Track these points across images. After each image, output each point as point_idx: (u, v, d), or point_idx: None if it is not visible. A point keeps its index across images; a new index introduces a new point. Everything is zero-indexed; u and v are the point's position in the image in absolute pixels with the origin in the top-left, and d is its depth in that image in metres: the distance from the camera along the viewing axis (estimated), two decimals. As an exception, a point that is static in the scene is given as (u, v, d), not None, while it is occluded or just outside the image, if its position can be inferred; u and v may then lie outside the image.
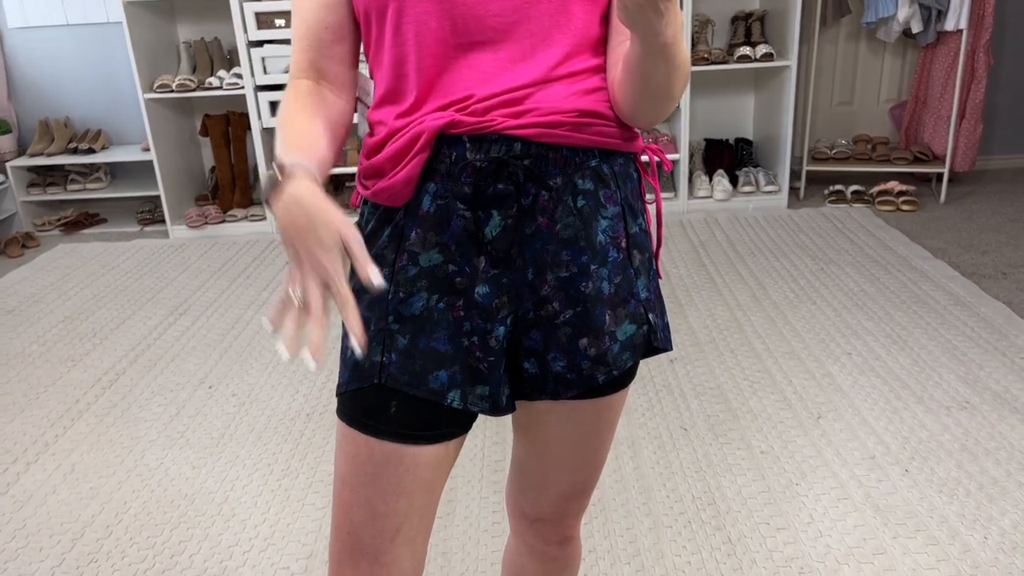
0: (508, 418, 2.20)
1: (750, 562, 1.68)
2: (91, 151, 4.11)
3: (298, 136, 0.85)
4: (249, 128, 4.03)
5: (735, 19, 4.03)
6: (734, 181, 4.07)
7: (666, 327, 0.99)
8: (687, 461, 2.02)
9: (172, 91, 3.80)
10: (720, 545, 1.73)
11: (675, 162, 3.94)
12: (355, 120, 1.01)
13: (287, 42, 3.71)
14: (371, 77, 0.96)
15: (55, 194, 4.15)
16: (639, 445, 2.09)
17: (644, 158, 0.99)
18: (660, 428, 2.16)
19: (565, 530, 1.12)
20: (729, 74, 4.20)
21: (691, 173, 4.10)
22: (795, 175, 4.15)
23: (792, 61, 3.72)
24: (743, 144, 4.20)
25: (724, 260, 3.31)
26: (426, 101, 0.88)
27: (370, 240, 0.92)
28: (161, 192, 3.92)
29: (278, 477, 2.04)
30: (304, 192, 0.76)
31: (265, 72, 3.73)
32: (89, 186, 4.16)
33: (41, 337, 2.93)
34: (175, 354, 2.74)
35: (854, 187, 3.97)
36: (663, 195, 3.95)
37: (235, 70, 3.85)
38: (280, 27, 3.68)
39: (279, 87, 3.79)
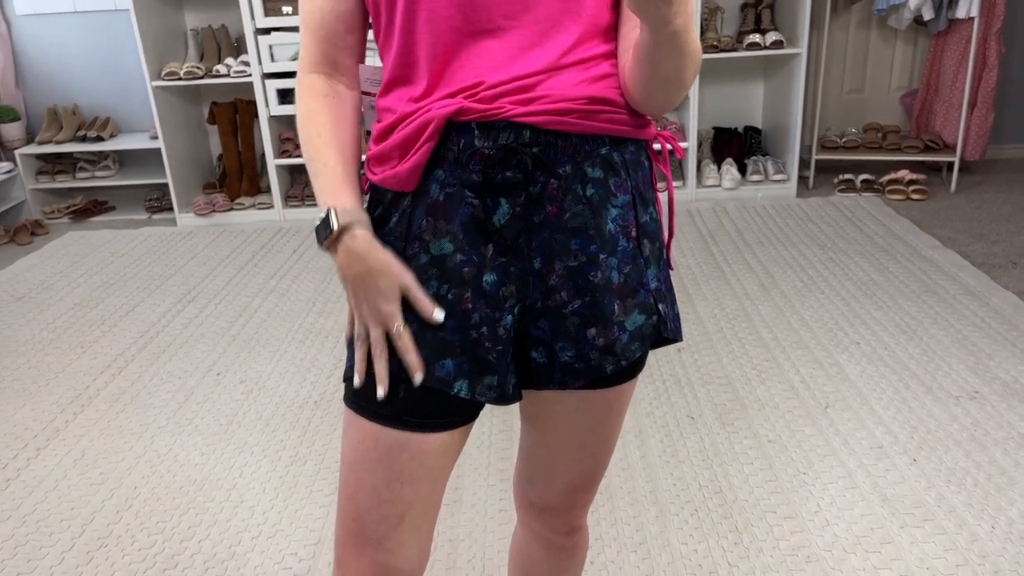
0: (516, 406, 2.21)
1: (757, 551, 1.68)
2: (99, 139, 4.12)
3: (337, 170, 0.91)
4: (257, 116, 4.02)
5: (744, 6, 4.00)
6: (743, 170, 4.05)
7: (676, 317, 0.98)
8: (694, 450, 2.02)
9: (180, 79, 3.80)
10: (727, 534, 1.73)
11: (684, 150, 3.92)
12: (363, 110, 1.01)
13: (295, 29, 3.70)
14: (380, 62, 0.96)
15: (64, 182, 4.16)
16: (646, 434, 2.09)
17: (656, 146, 0.98)
18: (667, 417, 2.16)
19: (573, 520, 1.12)
20: (738, 62, 4.17)
21: (700, 162, 4.08)
22: (804, 164, 4.13)
23: (802, 49, 3.69)
24: (752, 132, 4.18)
25: (732, 249, 3.30)
26: (436, 88, 0.87)
27: (378, 226, 0.92)
28: (169, 180, 3.92)
29: (286, 464, 2.05)
30: (362, 246, 0.87)
31: (273, 60, 3.72)
32: (98, 174, 4.18)
33: (51, 324, 2.95)
34: (183, 341, 2.75)
35: (864, 176, 3.95)
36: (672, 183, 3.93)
37: (243, 58, 3.84)
38: (287, 14, 3.67)
39: (287, 75, 3.79)
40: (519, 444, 1.11)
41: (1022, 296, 2.74)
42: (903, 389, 2.22)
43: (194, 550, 1.77)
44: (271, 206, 4.00)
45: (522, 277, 0.88)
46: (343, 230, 0.86)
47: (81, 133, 4.14)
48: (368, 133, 1.04)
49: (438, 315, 0.85)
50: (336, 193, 0.89)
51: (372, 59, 1.02)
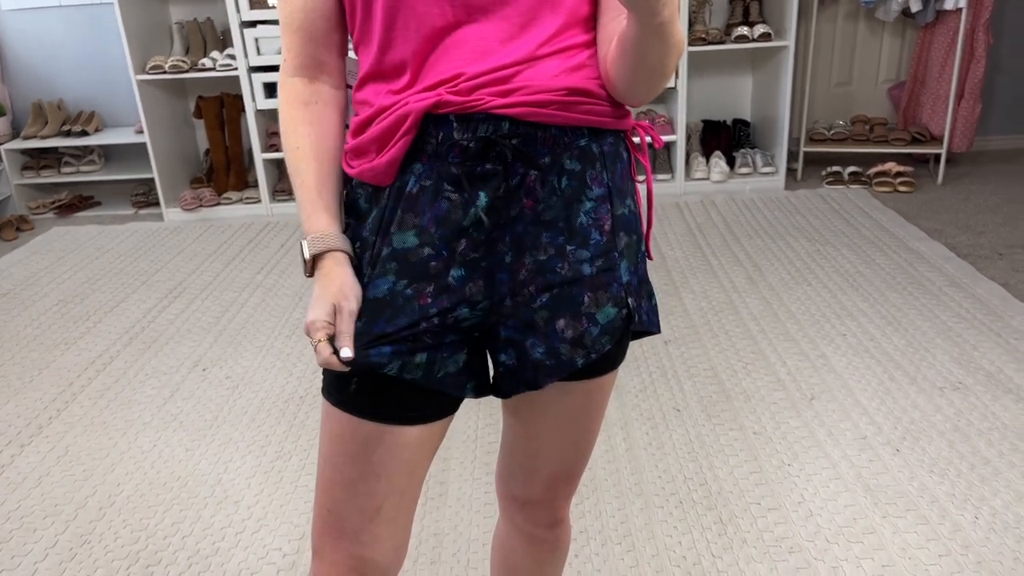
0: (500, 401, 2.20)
1: (740, 542, 1.68)
2: (84, 133, 4.09)
3: (312, 191, 0.91)
4: (243, 110, 4.00)
5: (732, -2, 3.99)
6: (731, 162, 4.05)
7: (652, 309, 0.98)
8: (680, 442, 2.02)
9: (165, 72, 3.77)
10: (711, 525, 1.74)
11: (672, 143, 3.92)
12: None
13: (276, 23, 3.67)
14: (356, 56, 0.95)
15: (49, 177, 4.13)
16: (632, 426, 2.10)
17: (635, 139, 0.98)
18: (653, 409, 2.16)
19: (555, 512, 1.12)
20: (726, 54, 4.17)
21: (688, 154, 4.08)
22: (792, 156, 4.13)
23: (790, 41, 3.69)
24: (740, 125, 4.18)
25: (720, 242, 3.30)
26: (415, 80, 0.87)
27: (356, 219, 0.91)
28: (155, 175, 3.90)
29: (271, 459, 2.04)
30: (328, 267, 0.89)
31: (259, 53, 3.70)
32: (83, 169, 4.15)
33: (35, 320, 2.93)
34: (169, 337, 2.74)
35: (851, 168, 3.95)
36: (659, 176, 3.94)
37: (228, 51, 3.82)
38: (273, 7, 3.64)
39: (273, 68, 3.76)
40: (501, 438, 1.11)
41: (1007, 287, 2.75)
42: (888, 380, 2.23)
43: (178, 546, 1.76)
44: (258, 201, 3.98)
45: (490, 272, 0.88)
46: (315, 259, 0.89)
47: (66, 128, 4.11)
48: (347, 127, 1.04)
49: (345, 353, 0.85)
50: (310, 217, 0.90)
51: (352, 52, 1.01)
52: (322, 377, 0.93)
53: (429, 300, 0.87)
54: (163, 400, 2.35)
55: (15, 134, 4.23)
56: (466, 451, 2.03)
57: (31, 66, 4.23)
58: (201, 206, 3.96)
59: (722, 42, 3.81)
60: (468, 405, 2.22)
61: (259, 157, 3.88)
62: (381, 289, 0.87)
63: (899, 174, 3.84)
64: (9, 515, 1.89)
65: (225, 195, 4.01)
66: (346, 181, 0.95)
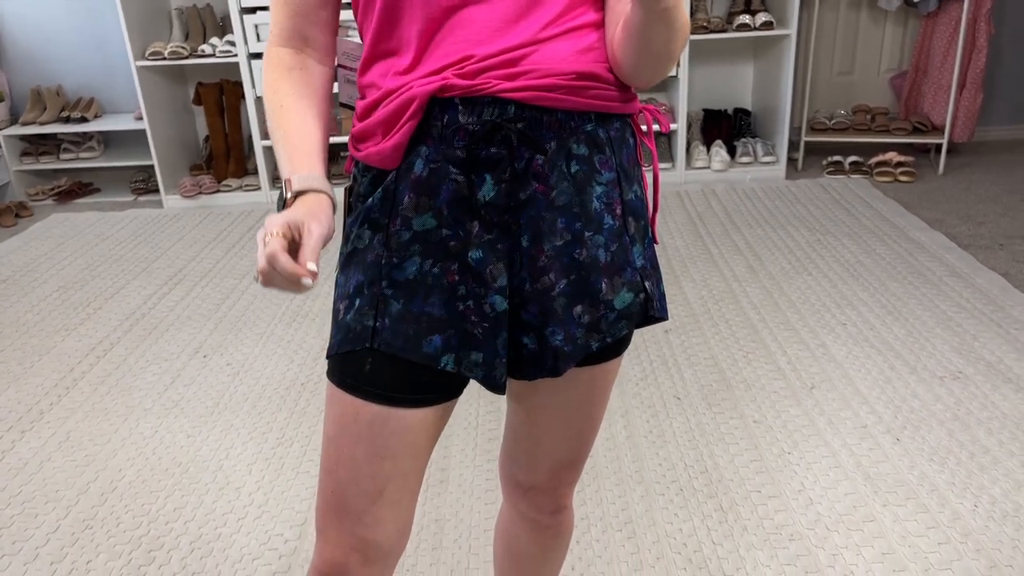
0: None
1: (741, 529, 1.69)
2: (84, 120, 4.07)
3: (294, 140, 0.90)
4: (243, 97, 3.99)
5: (735, -13, 3.98)
6: (732, 152, 4.05)
7: (662, 296, 0.98)
8: (680, 430, 2.03)
9: (164, 59, 3.76)
10: (711, 513, 1.74)
11: (673, 132, 3.91)
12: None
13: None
14: (360, 37, 0.94)
15: (48, 163, 4.12)
16: (632, 414, 2.10)
17: (642, 124, 0.98)
18: (654, 397, 2.17)
19: (558, 499, 1.12)
20: (728, 43, 4.15)
21: (689, 143, 4.07)
22: (793, 146, 4.13)
23: (792, 30, 3.67)
24: (741, 114, 4.17)
25: (721, 231, 3.30)
26: (421, 60, 0.86)
27: (363, 203, 0.91)
28: (155, 161, 3.89)
29: (272, 445, 2.05)
30: (311, 200, 0.85)
31: (259, 39, 3.68)
32: (82, 155, 4.13)
33: (35, 307, 2.93)
34: (169, 324, 2.74)
35: (852, 158, 3.95)
36: (661, 166, 3.93)
37: (228, 37, 3.80)
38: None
39: (273, 55, 3.74)
40: (505, 423, 1.11)
41: (1008, 277, 2.75)
42: (888, 369, 2.24)
43: (180, 532, 1.77)
44: (258, 188, 3.97)
45: (510, 255, 0.88)
46: (296, 196, 0.85)
47: (65, 114, 4.09)
48: (343, 106, 1.03)
49: (306, 282, 0.77)
50: (292, 164, 0.88)
51: (356, 36, 1.00)
52: (327, 360, 0.93)
53: (456, 278, 0.87)
54: (164, 387, 2.35)
55: (14, 120, 4.21)
56: (467, 437, 2.03)
57: (30, 52, 4.21)
58: (201, 193, 3.95)
59: (724, 30, 3.79)
60: (469, 390, 2.22)
61: (259, 144, 3.87)
62: (410, 271, 0.87)
63: (900, 164, 3.83)
64: (10, 500, 1.89)
65: (225, 182, 4.00)
66: (351, 168, 0.95)
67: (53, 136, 4.22)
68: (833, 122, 4.07)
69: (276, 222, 0.80)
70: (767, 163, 3.91)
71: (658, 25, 0.78)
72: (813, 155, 4.19)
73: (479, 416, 2.12)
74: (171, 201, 3.96)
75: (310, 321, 2.69)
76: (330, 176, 3.97)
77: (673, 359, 2.35)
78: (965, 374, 2.19)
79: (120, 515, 1.82)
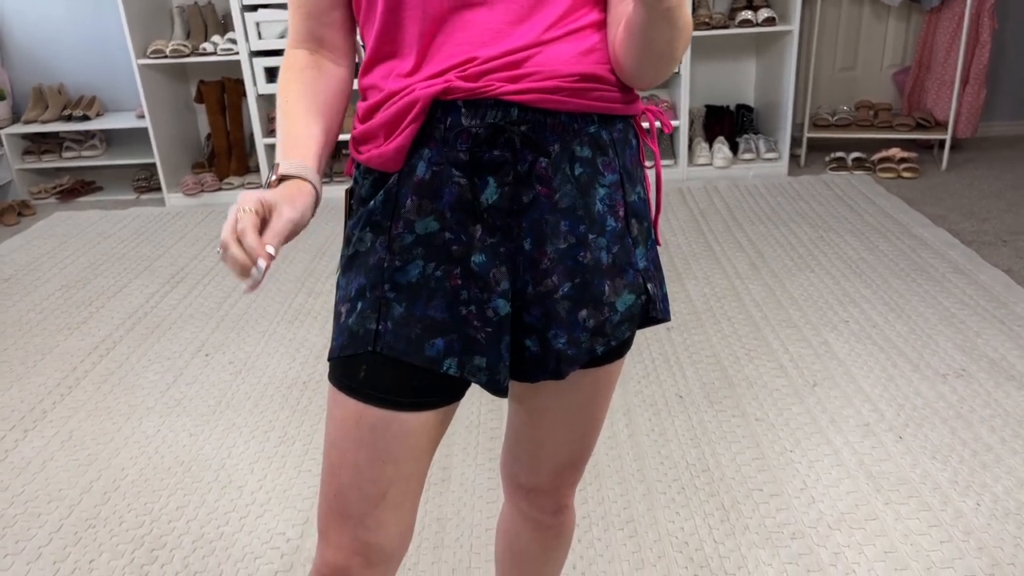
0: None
1: (743, 528, 1.69)
2: (86, 118, 4.07)
3: (292, 132, 0.90)
4: (245, 95, 3.98)
5: (737, -18, 3.97)
6: (734, 148, 4.04)
7: (664, 297, 0.98)
8: (682, 428, 2.02)
9: (166, 57, 3.75)
10: (713, 511, 1.74)
11: (675, 129, 3.90)
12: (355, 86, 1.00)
13: (282, 7, 3.66)
14: (361, 39, 0.94)
15: (50, 162, 4.12)
16: (635, 412, 2.10)
17: (644, 124, 0.98)
18: (656, 396, 2.17)
19: (560, 499, 1.12)
20: (730, 39, 4.14)
21: (691, 140, 4.06)
22: (796, 142, 4.12)
23: (794, 26, 3.66)
24: (744, 111, 4.16)
25: (723, 228, 3.30)
26: (424, 62, 0.86)
27: (364, 206, 0.91)
28: (157, 160, 3.89)
29: (275, 444, 2.05)
30: (289, 187, 0.84)
31: (260, 37, 3.68)
32: (84, 154, 4.14)
33: (38, 305, 2.93)
34: (172, 322, 2.74)
35: (855, 154, 3.94)
36: (663, 163, 3.92)
37: (229, 35, 3.80)
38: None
39: (274, 52, 3.74)
40: (507, 424, 1.11)
41: (1011, 274, 2.75)
42: (890, 367, 2.23)
43: (182, 530, 1.77)
44: (260, 186, 3.97)
45: (512, 258, 0.87)
46: (280, 180, 0.85)
47: (67, 112, 4.09)
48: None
49: (260, 264, 0.76)
50: (285, 153, 0.88)
51: None
52: (329, 363, 0.92)
53: (459, 282, 0.87)
54: (166, 385, 2.35)
55: (15, 119, 4.21)
56: (469, 436, 2.04)
57: (31, 50, 4.21)
58: (203, 191, 3.95)
59: (726, 27, 3.78)
60: (471, 389, 2.22)
61: (260, 142, 3.87)
62: (412, 274, 0.87)
63: (903, 160, 3.82)
64: (13, 500, 1.90)
65: (226, 180, 4.00)
66: (352, 170, 0.95)
67: (55, 135, 4.23)
68: (836, 118, 4.06)
69: (250, 198, 0.79)
70: (769, 159, 3.90)
71: (660, 24, 0.78)
72: (816, 151, 4.18)
73: (481, 415, 2.12)
74: (173, 199, 3.97)
75: (312, 319, 2.70)
76: (331, 173, 3.97)
77: (675, 357, 2.35)
78: (968, 371, 2.19)
79: (123, 514, 1.83)
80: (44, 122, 4.04)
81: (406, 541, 0.95)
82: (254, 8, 3.68)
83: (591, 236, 0.88)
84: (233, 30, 3.85)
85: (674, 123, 3.87)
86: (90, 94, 4.25)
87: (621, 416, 2.09)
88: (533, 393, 1.01)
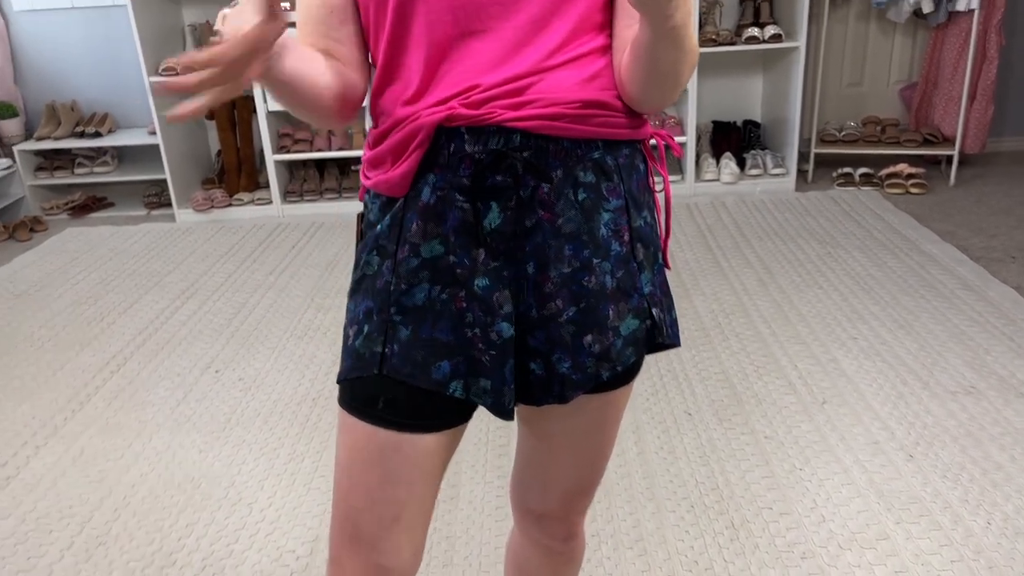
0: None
1: (753, 547, 1.69)
2: (98, 135, 4.11)
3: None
4: (255, 112, 4.02)
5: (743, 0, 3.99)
6: (741, 164, 4.04)
7: (674, 322, 0.98)
8: (691, 446, 2.02)
9: (178, 74, 3.78)
10: (723, 530, 1.74)
11: (682, 144, 3.91)
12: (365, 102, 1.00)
13: (293, 25, 3.69)
14: (373, 64, 0.95)
15: (62, 178, 4.16)
16: (643, 430, 2.10)
17: (652, 142, 0.98)
18: (664, 413, 2.17)
19: (570, 526, 1.12)
20: (737, 55, 4.16)
21: (698, 156, 4.07)
22: (803, 158, 4.12)
23: (801, 42, 3.68)
24: (751, 126, 4.17)
25: (731, 244, 3.30)
26: (427, 91, 0.87)
27: (372, 230, 0.92)
28: (168, 176, 3.92)
29: (284, 461, 2.05)
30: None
31: (270, 55, 3.71)
32: (96, 170, 4.17)
33: (49, 321, 2.95)
34: (182, 338, 2.75)
35: (863, 170, 3.94)
36: (670, 179, 3.93)
37: (240, 53, 3.83)
38: (285, 10, 3.65)
39: (284, 70, 3.77)
40: (516, 449, 1.11)
41: (1020, 290, 2.74)
42: (900, 385, 2.23)
43: (192, 548, 1.77)
44: (269, 202, 4.00)
45: (516, 282, 0.88)
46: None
47: (79, 129, 4.14)
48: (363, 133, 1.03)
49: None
50: None
51: None
52: (339, 387, 0.93)
53: (464, 304, 0.88)
54: (176, 401, 2.36)
55: (28, 135, 4.26)
56: (477, 453, 2.04)
57: (44, 68, 4.26)
58: (213, 207, 3.98)
59: (733, 43, 3.80)
60: (479, 408, 2.22)
61: (270, 158, 3.89)
62: (419, 297, 0.88)
63: (911, 176, 3.82)
64: (25, 516, 1.90)
65: (236, 196, 4.03)
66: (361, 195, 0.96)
67: (67, 151, 4.27)
68: (843, 134, 4.07)
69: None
70: (777, 175, 3.91)
71: (666, 44, 0.79)
72: (823, 167, 4.18)
73: (489, 432, 2.13)
74: (184, 215, 4.00)
75: (321, 335, 2.71)
76: (341, 189, 3.99)
77: (684, 374, 2.35)
78: (978, 389, 2.18)
79: (133, 531, 1.83)
80: (57, 139, 4.08)
81: (418, 561, 0.96)
82: (265, 26, 3.71)
83: (595, 260, 0.89)
84: (244, 48, 3.88)
85: (681, 139, 3.88)
86: (103, 111, 4.30)
87: (630, 433, 2.09)
88: (540, 417, 1.01)
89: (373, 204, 0.93)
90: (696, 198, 3.88)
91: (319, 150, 3.94)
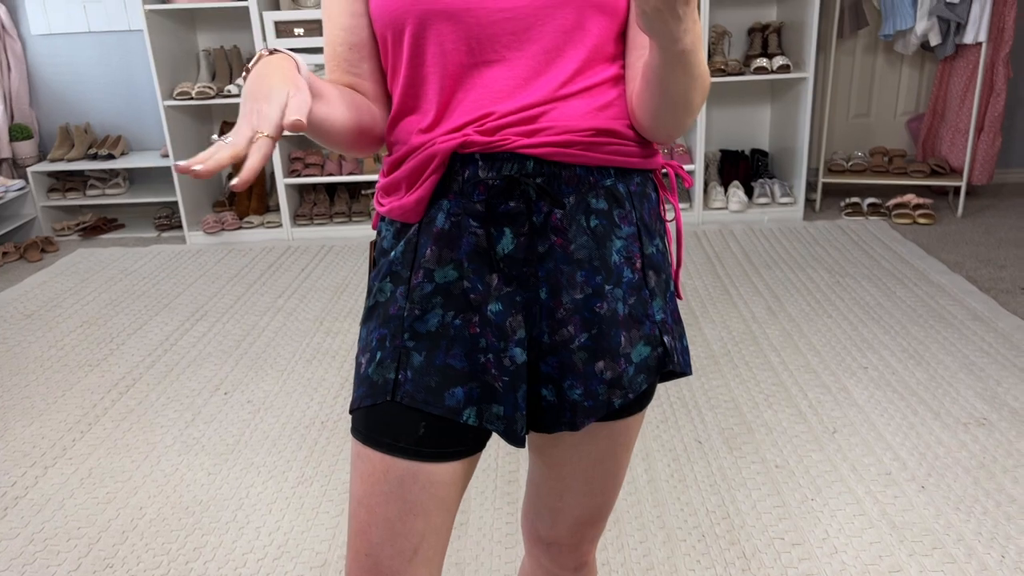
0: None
1: (764, 578, 1.67)
2: (110, 157, 4.15)
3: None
4: (266, 136, 4.05)
5: (752, 30, 4.03)
6: (749, 192, 4.06)
7: (685, 350, 0.98)
8: (701, 475, 2.01)
9: (191, 98, 3.83)
10: (734, 560, 1.72)
11: (691, 173, 3.93)
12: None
13: (306, 51, 3.74)
14: (390, 93, 0.97)
15: (74, 199, 4.19)
16: (653, 458, 2.09)
17: (664, 172, 0.99)
18: (675, 441, 2.16)
19: (581, 556, 1.12)
20: (745, 85, 4.19)
21: (706, 184, 4.09)
22: (811, 187, 4.14)
23: (809, 73, 3.71)
24: (759, 155, 4.19)
25: (739, 272, 3.30)
26: (443, 118, 0.88)
27: (386, 257, 0.93)
28: (179, 198, 3.95)
29: (292, 485, 2.05)
30: (278, 61, 0.78)
31: (283, 80, 3.75)
32: (108, 191, 4.21)
33: (59, 341, 2.96)
34: (191, 360, 2.76)
35: (870, 200, 3.95)
36: (679, 205, 3.95)
37: (254, 78, 3.88)
38: (299, 35, 3.71)
39: (297, 95, 3.81)
40: (527, 477, 1.11)
41: (1030, 322, 2.74)
42: (911, 415, 2.22)
43: (199, 571, 1.76)
44: (279, 225, 4.02)
45: (528, 307, 0.89)
46: (272, 52, 0.80)
47: (92, 151, 4.17)
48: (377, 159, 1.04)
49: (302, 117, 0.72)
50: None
51: None
52: (351, 416, 0.93)
53: (478, 330, 0.88)
54: (185, 423, 2.36)
55: (42, 157, 4.30)
56: (487, 480, 2.03)
57: (59, 91, 4.31)
58: (223, 229, 4.00)
59: (741, 73, 3.83)
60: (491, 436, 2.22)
61: (281, 182, 3.92)
62: (432, 323, 0.88)
63: (918, 206, 3.83)
64: (33, 537, 1.90)
65: (247, 219, 4.05)
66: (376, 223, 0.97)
67: (80, 173, 4.30)
68: (851, 164, 4.09)
69: (271, 119, 0.72)
70: (785, 204, 3.92)
71: (677, 69, 0.80)
72: (831, 196, 4.20)
73: (498, 459, 2.12)
74: (194, 237, 4.02)
75: (330, 359, 2.71)
76: (351, 214, 4.02)
77: (694, 402, 2.34)
78: (990, 420, 2.17)
79: (140, 554, 1.83)
80: (70, 160, 4.12)
81: (434, 591, 0.95)
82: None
83: (607, 287, 0.89)
84: (257, 73, 3.93)
85: (690, 167, 3.90)
86: (116, 133, 4.34)
87: (640, 461, 2.08)
88: (552, 444, 1.01)
89: (387, 231, 0.94)
90: (704, 226, 3.89)
91: (330, 174, 3.97)
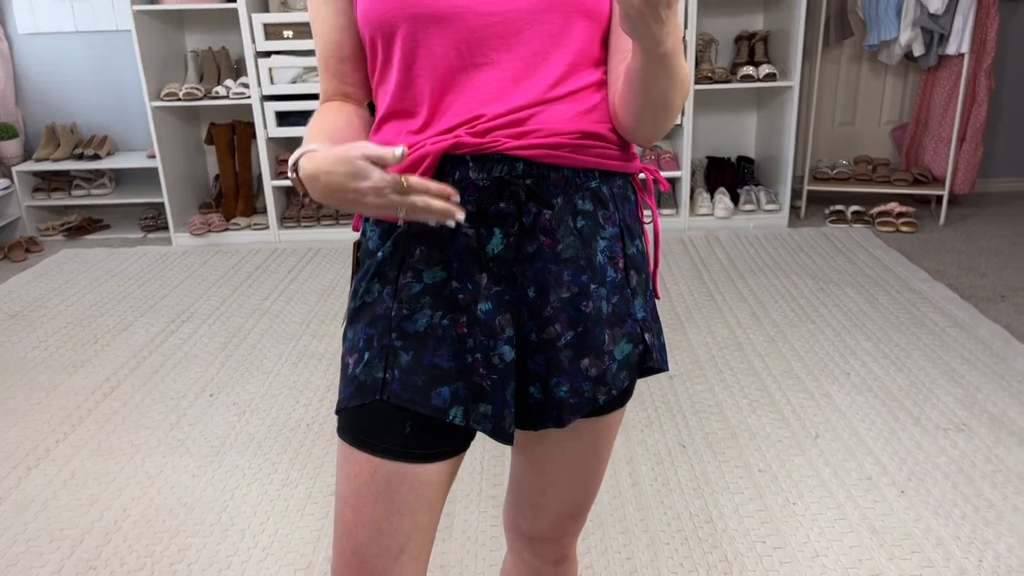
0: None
1: (746, 581, 1.69)
2: (96, 157, 4.13)
3: (316, 130, 0.92)
4: (254, 137, 4.05)
5: (738, 39, 4.06)
6: (735, 199, 4.09)
7: (662, 347, 1.01)
8: (685, 478, 2.03)
9: (179, 99, 3.82)
10: (717, 563, 1.74)
11: (677, 179, 3.96)
12: None
13: (295, 53, 3.74)
14: (374, 98, 0.98)
15: (60, 199, 4.17)
16: (637, 462, 2.10)
17: (641, 176, 1.01)
18: (659, 445, 2.17)
19: (562, 549, 1.13)
20: (732, 93, 4.23)
21: (692, 190, 4.12)
22: (796, 194, 4.18)
23: (795, 81, 3.75)
24: (745, 162, 4.23)
25: (724, 278, 3.33)
26: (433, 120, 0.90)
27: (372, 258, 0.94)
28: (165, 199, 3.94)
29: (277, 487, 2.05)
30: (310, 166, 0.82)
31: (272, 82, 3.76)
32: (94, 192, 4.18)
33: (43, 342, 2.94)
34: (176, 362, 2.75)
35: (854, 207, 3.99)
36: (664, 212, 3.98)
37: (242, 80, 3.88)
38: (288, 38, 3.71)
39: (285, 97, 3.82)
40: (509, 473, 1.12)
41: (1010, 329, 2.77)
42: (892, 420, 2.24)
43: (184, 574, 1.76)
44: (266, 227, 4.01)
45: (516, 306, 0.90)
46: (298, 158, 0.84)
47: (78, 151, 4.15)
48: None
49: (399, 151, 0.77)
50: (304, 143, 0.89)
51: None
52: (337, 416, 0.94)
53: (465, 330, 0.89)
54: (170, 425, 2.35)
55: (27, 156, 4.27)
56: (472, 483, 2.04)
57: (46, 90, 4.29)
58: (209, 231, 3.99)
59: (728, 81, 3.87)
60: (476, 437, 2.22)
61: (268, 184, 3.92)
62: (420, 323, 0.90)
63: (901, 214, 3.88)
64: (15, 539, 1.89)
65: (233, 221, 4.04)
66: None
67: (65, 173, 4.28)
68: (835, 172, 4.13)
69: (387, 178, 0.78)
70: (770, 211, 3.96)
71: (658, 71, 0.82)
72: (815, 204, 4.24)
73: (484, 462, 2.13)
74: (180, 239, 4.00)
75: (316, 361, 2.71)
76: (338, 216, 4.01)
77: (678, 406, 2.36)
78: (969, 426, 2.20)
79: (124, 556, 1.82)
80: (55, 160, 4.09)
81: (419, 592, 0.96)
82: (267, 54, 3.76)
83: (592, 286, 0.91)
84: (246, 75, 3.93)
85: (676, 173, 3.93)
86: (102, 133, 4.32)
87: (624, 465, 2.09)
88: (535, 441, 1.03)
89: (372, 232, 0.95)
90: (690, 232, 3.92)
91: (317, 177, 3.96)
